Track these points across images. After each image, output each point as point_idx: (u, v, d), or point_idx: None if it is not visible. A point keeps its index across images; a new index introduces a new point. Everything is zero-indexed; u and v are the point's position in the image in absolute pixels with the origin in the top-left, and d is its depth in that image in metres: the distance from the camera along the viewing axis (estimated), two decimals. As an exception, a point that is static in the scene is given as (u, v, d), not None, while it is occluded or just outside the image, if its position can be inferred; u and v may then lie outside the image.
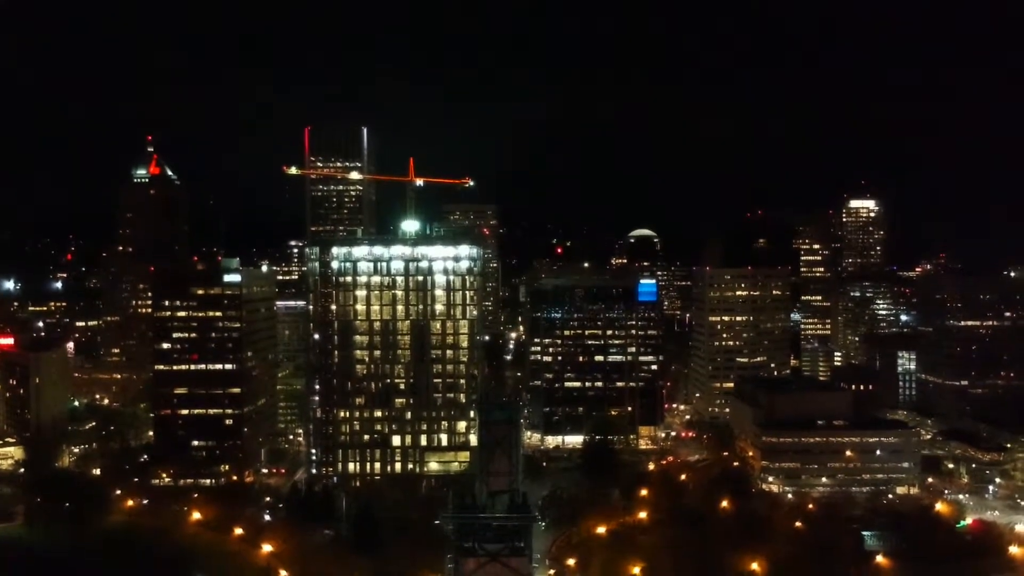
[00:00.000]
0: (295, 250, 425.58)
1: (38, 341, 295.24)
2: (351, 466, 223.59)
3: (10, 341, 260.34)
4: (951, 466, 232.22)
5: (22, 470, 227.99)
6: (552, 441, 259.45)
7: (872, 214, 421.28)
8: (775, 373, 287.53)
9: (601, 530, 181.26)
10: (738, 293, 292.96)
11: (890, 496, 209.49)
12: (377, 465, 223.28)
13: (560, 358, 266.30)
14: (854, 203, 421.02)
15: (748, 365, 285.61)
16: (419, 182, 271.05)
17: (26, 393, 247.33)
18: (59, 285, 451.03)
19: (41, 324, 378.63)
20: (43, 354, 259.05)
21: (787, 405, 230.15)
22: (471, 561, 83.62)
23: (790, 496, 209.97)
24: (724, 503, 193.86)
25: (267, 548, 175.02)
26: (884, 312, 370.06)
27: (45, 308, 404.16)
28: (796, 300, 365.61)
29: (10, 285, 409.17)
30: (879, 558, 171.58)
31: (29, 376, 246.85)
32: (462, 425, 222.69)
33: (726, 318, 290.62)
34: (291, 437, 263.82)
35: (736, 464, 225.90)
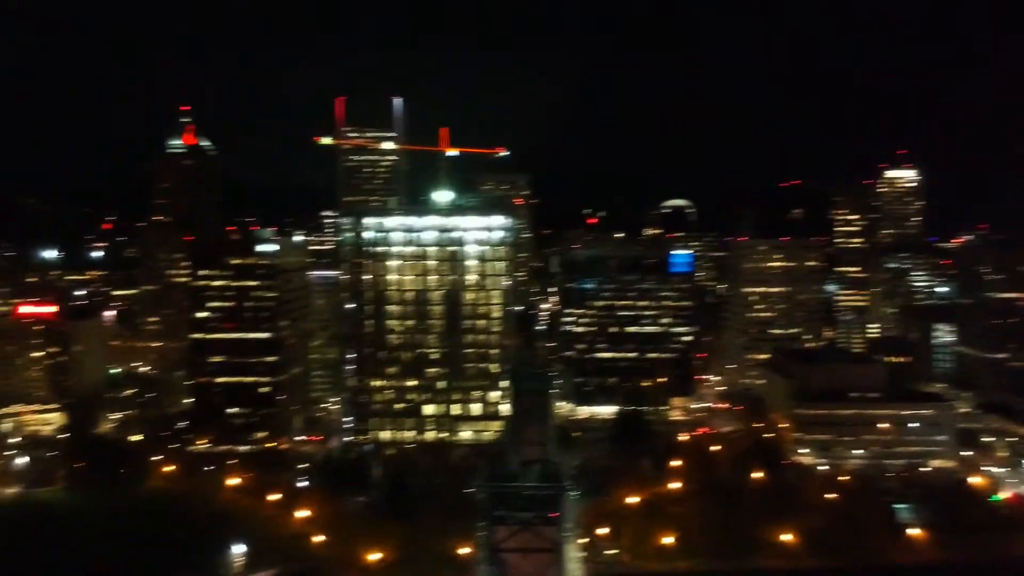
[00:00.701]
0: (328, 221, 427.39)
1: (78, 310, 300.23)
2: (384, 434, 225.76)
3: (52, 310, 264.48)
4: (988, 440, 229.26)
5: (63, 435, 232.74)
6: (584, 411, 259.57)
7: (910, 184, 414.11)
8: (809, 345, 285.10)
9: (633, 500, 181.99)
10: (772, 264, 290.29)
11: (924, 469, 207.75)
12: (410, 433, 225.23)
13: (592, 329, 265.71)
14: (892, 173, 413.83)
15: (782, 336, 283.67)
16: (452, 152, 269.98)
17: (67, 361, 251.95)
18: (98, 254, 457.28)
19: (80, 293, 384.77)
20: (83, 323, 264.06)
21: (821, 377, 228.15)
22: (503, 529, 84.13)
23: (823, 468, 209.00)
24: (756, 475, 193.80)
25: (302, 514, 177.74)
26: (921, 284, 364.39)
27: (84, 277, 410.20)
28: (831, 271, 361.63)
29: (51, 254, 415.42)
30: (912, 531, 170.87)
31: (70, 344, 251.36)
32: (494, 395, 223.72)
33: (760, 289, 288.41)
34: (325, 405, 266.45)
35: (769, 436, 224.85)
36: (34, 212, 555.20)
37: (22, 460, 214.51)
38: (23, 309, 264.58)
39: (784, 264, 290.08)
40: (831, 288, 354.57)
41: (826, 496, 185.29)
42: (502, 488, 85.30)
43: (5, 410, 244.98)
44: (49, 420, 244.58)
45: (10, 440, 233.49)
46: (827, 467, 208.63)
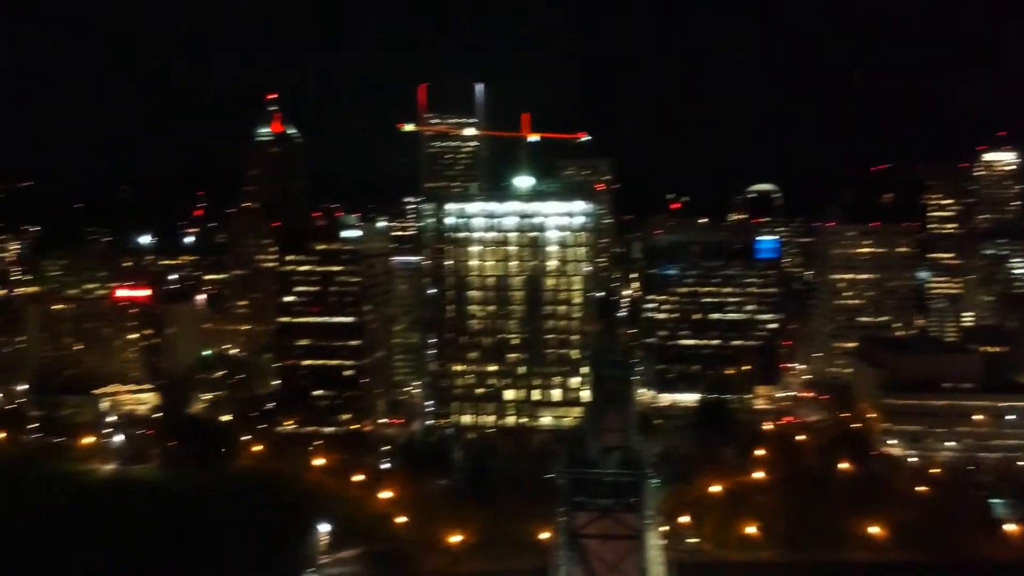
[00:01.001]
0: (410, 206, 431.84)
1: (171, 293, 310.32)
2: (465, 418, 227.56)
3: (146, 293, 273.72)
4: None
5: (157, 415, 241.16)
6: (666, 399, 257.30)
7: (1009, 167, 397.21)
8: (900, 333, 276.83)
9: (715, 489, 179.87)
10: (862, 250, 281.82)
11: (1022, 464, 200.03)
12: (490, 418, 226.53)
13: (675, 315, 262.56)
14: (990, 155, 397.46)
15: (871, 325, 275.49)
16: (533, 137, 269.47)
17: (161, 343, 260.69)
18: (190, 240, 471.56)
19: (173, 277, 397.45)
20: (176, 306, 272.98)
21: (912, 366, 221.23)
22: (583, 516, 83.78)
23: (913, 461, 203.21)
24: (843, 465, 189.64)
25: (385, 495, 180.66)
26: (1021, 271, 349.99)
27: (177, 262, 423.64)
28: (924, 258, 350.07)
29: (145, 239, 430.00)
30: (1008, 526, 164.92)
31: (163, 327, 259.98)
32: (574, 381, 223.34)
33: (849, 276, 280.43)
34: (407, 389, 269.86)
35: (856, 426, 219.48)
36: (129, 199, 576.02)
37: (118, 438, 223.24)
38: (120, 293, 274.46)
39: (874, 250, 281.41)
40: (923, 275, 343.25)
41: (916, 489, 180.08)
42: (582, 474, 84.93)
43: (103, 389, 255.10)
44: (144, 400, 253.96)
45: (108, 419, 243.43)
46: (917, 459, 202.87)
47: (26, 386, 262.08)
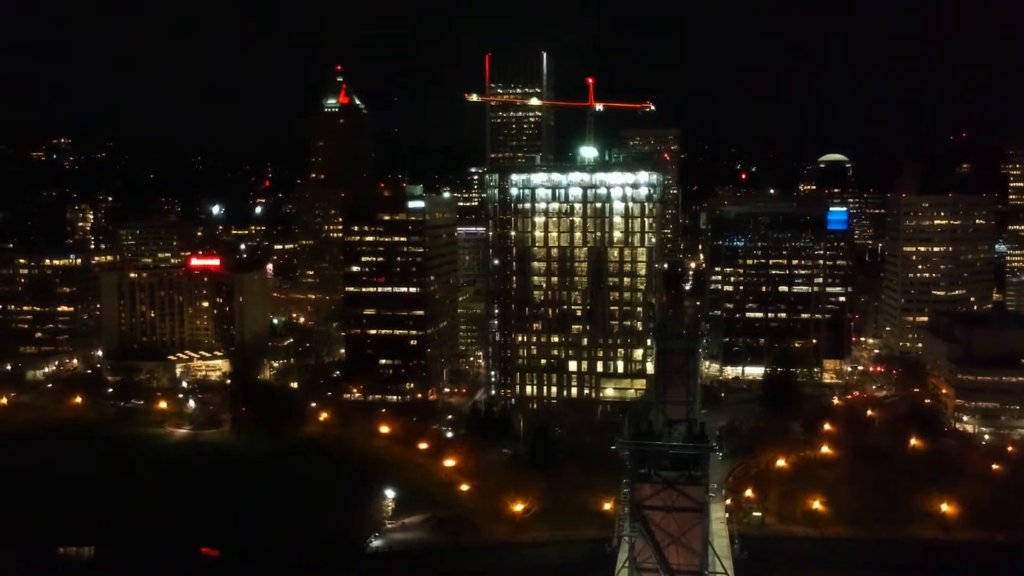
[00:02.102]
0: (475, 176, 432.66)
1: (242, 263, 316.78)
2: (528, 389, 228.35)
3: (216, 263, 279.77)
4: None
5: (228, 381, 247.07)
6: (731, 372, 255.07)
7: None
8: (975, 308, 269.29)
9: (781, 463, 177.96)
10: (937, 222, 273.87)
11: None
12: (554, 389, 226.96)
13: (742, 288, 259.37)
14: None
15: (945, 298, 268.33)
16: (598, 107, 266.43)
17: (231, 311, 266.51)
18: (259, 210, 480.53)
19: (243, 247, 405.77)
20: (246, 275, 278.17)
21: (987, 341, 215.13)
22: (647, 487, 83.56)
23: (987, 438, 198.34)
24: (913, 441, 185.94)
25: (449, 463, 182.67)
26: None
27: (246, 232, 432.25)
28: (1003, 230, 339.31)
29: (216, 209, 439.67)
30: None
31: (234, 295, 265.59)
32: (638, 352, 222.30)
33: (922, 248, 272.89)
34: (471, 359, 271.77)
35: (927, 402, 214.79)
36: (201, 170, 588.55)
37: (192, 404, 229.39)
38: (194, 262, 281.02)
39: (949, 222, 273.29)
40: (1001, 248, 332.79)
41: (990, 467, 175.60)
42: (647, 446, 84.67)
43: (179, 355, 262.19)
44: (216, 366, 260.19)
45: (183, 384, 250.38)
46: (991, 437, 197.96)
47: (102, 352, 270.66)
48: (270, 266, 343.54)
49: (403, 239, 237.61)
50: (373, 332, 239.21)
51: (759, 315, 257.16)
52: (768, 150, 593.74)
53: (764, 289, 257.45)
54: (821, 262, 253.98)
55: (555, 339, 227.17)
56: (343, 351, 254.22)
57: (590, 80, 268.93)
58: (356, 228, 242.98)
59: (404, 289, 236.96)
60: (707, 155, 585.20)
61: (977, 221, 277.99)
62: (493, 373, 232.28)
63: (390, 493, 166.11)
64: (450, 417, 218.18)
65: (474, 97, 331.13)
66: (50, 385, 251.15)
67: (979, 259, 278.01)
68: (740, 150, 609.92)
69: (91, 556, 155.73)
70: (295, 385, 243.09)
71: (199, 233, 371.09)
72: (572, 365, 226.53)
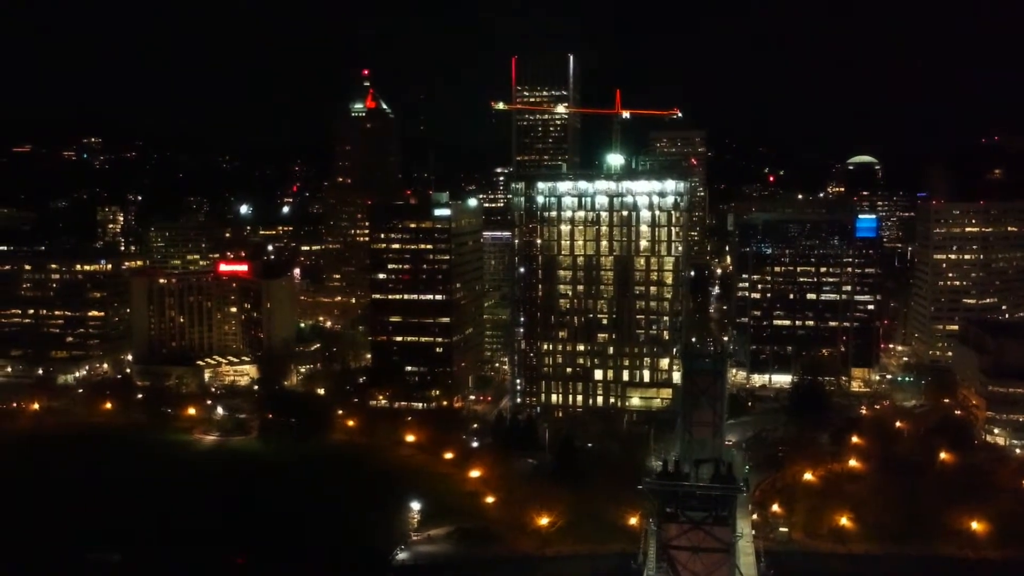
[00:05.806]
0: (501, 177, 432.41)
1: (269, 267, 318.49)
2: (554, 397, 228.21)
3: (244, 268, 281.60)
4: None
5: (256, 387, 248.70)
6: (758, 380, 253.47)
7: None
8: (1007, 316, 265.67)
9: (808, 476, 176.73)
10: (968, 229, 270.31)
11: None
12: (579, 398, 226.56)
13: (769, 295, 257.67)
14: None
15: (976, 307, 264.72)
16: (626, 115, 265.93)
17: (259, 316, 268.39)
18: (286, 209, 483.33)
19: (271, 247, 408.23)
20: (274, 281, 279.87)
21: (1019, 351, 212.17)
22: (673, 527, 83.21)
23: (1018, 451, 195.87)
24: (943, 454, 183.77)
25: (475, 473, 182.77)
26: None
27: (274, 232, 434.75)
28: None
29: (244, 209, 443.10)
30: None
31: (262, 301, 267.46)
32: (664, 362, 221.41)
33: (953, 256, 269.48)
34: (496, 365, 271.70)
35: (958, 413, 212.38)
36: (229, 169, 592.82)
37: (220, 411, 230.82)
38: (222, 268, 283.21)
39: (981, 229, 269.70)
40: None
41: (1022, 482, 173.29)
42: (675, 487, 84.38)
43: (207, 360, 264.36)
44: (244, 371, 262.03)
45: (211, 389, 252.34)
46: (1023, 451, 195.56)
47: (132, 357, 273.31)
48: (297, 270, 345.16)
49: (429, 247, 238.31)
50: (399, 339, 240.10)
51: (786, 323, 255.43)
52: (796, 150, 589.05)
53: (792, 296, 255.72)
54: (849, 269, 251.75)
55: (581, 347, 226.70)
56: (369, 356, 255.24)
57: (617, 90, 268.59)
58: (383, 236, 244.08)
59: (430, 296, 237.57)
60: (734, 153, 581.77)
61: (1009, 228, 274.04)
62: (518, 381, 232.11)
63: (415, 504, 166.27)
64: (475, 426, 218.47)
65: (501, 105, 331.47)
66: (80, 390, 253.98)
67: (1011, 267, 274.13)
68: (768, 149, 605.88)
69: (118, 562, 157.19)
70: (321, 391, 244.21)
71: (227, 234, 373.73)
72: (598, 374, 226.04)
